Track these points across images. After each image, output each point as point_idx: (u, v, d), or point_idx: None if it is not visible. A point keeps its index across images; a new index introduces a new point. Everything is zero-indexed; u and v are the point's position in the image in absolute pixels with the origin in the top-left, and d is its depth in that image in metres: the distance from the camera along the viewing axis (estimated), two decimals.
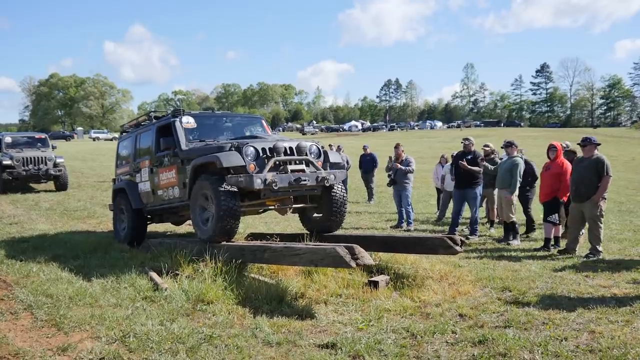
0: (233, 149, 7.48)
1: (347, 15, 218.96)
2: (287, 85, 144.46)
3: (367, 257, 5.94)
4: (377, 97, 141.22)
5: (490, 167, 10.62)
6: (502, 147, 10.92)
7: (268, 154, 7.58)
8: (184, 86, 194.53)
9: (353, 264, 5.81)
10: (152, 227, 10.94)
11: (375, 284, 6.68)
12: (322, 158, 8.15)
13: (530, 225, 11.14)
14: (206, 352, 4.66)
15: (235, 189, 7.35)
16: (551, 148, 9.47)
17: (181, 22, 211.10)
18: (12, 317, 5.75)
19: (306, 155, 7.88)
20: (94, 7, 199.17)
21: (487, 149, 11.57)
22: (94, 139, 74.02)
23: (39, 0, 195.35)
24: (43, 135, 21.88)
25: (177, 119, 8.83)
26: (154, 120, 9.74)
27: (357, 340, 4.92)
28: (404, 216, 12.32)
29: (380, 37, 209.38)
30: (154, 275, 7.02)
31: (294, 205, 8.24)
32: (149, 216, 10.13)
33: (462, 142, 11.04)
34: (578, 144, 8.97)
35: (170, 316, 5.59)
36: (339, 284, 6.74)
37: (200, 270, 6.93)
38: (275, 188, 7.30)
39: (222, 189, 7.30)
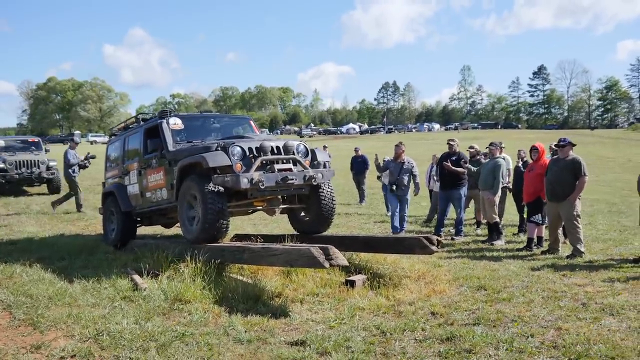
0: (219, 148, 7.46)
1: (348, 16, 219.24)
2: (285, 88, 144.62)
3: (341, 258, 6.00)
4: (375, 99, 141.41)
5: (473, 168, 10.72)
6: (486, 148, 11.02)
7: (255, 153, 7.55)
8: (184, 89, 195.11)
9: (327, 264, 5.87)
10: (145, 230, 11.02)
11: (352, 283, 6.76)
12: (309, 157, 8.13)
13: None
14: (176, 350, 4.74)
15: (221, 189, 7.32)
16: (533, 149, 9.57)
17: (180, 24, 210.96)
18: None
19: (293, 154, 7.84)
20: (93, 10, 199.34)
21: (472, 150, 11.67)
22: (91, 143, 74.05)
23: (39, 4, 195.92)
24: (36, 139, 21.89)
25: (164, 120, 8.78)
26: (142, 123, 9.73)
27: (326, 337, 5.01)
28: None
29: (381, 39, 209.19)
30: (134, 275, 7.09)
31: (282, 206, 8.25)
32: (138, 219, 10.11)
33: (447, 143, 11.13)
34: (554, 144, 9.06)
35: (146, 315, 5.67)
36: (316, 283, 6.82)
37: (180, 271, 7.01)
38: (262, 187, 7.26)
39: (209, 189, 7.27)
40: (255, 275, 7.28)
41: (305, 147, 8.18)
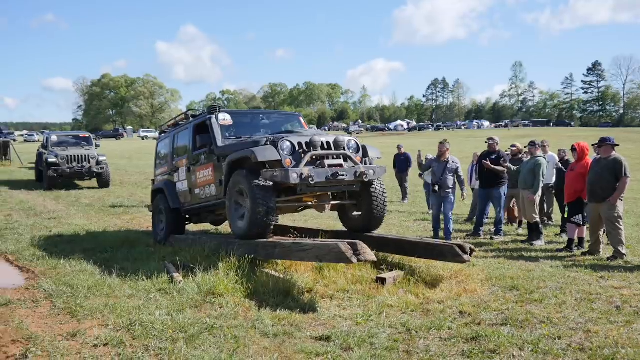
0: (269, 143, 7.32)
1: (399, 12, 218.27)
2: (333, 84, 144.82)
3: (369, 253, 6.04)
4: (424, 96, 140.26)
5: (513, 167, 10.57)
6: (525, 147, 10.87)
7: (305, 148, 7.36)
8: (234, 86, 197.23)
9: (354, 259, 5.91)
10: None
11: (382, 281, 6.79)
12: (360, 153, 7.92)
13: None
14: (204, 341, 4.88)
15: (270, 184, 7.17)
16: (573, 149, 9.39)
17: (232, 21, 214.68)
18: (33, 305, 6.11)
19: (344, 150, 7.61)
20: (147, 8, 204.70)
21: (513, 149, 11.53)
22: (142, 138, 75.89)
23: (95, 3, 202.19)
24: (87, 134, 22.72)
25: (214, 116, 8.71)
26: (191, 119, 9.63)
27: (351, 333, 5.07)
28: (442, 225, 10.66)
29: (432, 35, 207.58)
30: (171, 268, 7.29)
31: (332, 202, 8.03)
32: (187, 216, 10.09)
33: (486, 142, 11.00)
34: (594, 144, 8.88)
35: (178, 307, 5.83)
36: (348, 280, 6.85)
37: (215, 265, 7.16)
38: (312, 183, 7.03)
39: (257, 184, 7.12)
40: (288, 270, 7.35)
41: (357, 142, 7.97)
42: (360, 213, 8.32)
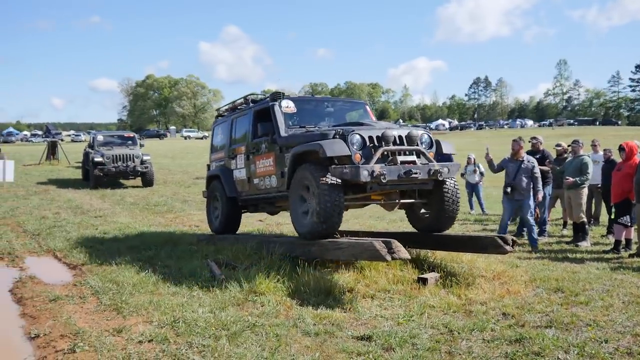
0: (337, 136, 6.86)
1: (443, 9, 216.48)
2: (374, 84, 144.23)
3: (403, 252, 6.02)
4: (466, 95, 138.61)
5: (558, 167, 10.38)
6: (568, 146, 10.68)
7: (376, 143, 6.87)
8: (275, 85, 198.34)
9: (389, 257, 5.90)
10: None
11: (424, 281, 6.74)
12: (434, 149, 7.36)
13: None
14: (246, 339, 4.92)
15: (339, 182, 6.72)
16: (621, 148, 9.16)
17: (273, 21, 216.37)
18: (80, 301, 6.28)
19: (417, 145, 7.08)
20: (191, 9, 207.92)
21: (559, 148, 11.33)
22: (185, 138, 76.99)
23: (139, 5, 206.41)
24: (132, 134, 23.22)
25: (277, 103, 8.18)
26: (252, 104, 9.10)
27: (392, 333, 5.04)
28: (524, 229, 10.16)
29: (475, 32, 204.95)
30: (213, 266, 7.37)
31: (402, 200, 7.57)
32: (243, 205, 9.56)
33: (530, 141, 10.83)
34: None
35: (221, 305, 5.89)
36: (389, 280, 6.82)
37: (257, 264, 7.23)
38: (384, 181, 6.56)
39: (325, 180, 6.65)
40: (329, 270, 7.35)
41: (430, 137, 7.40)
42: (429, 212, 7.82)
